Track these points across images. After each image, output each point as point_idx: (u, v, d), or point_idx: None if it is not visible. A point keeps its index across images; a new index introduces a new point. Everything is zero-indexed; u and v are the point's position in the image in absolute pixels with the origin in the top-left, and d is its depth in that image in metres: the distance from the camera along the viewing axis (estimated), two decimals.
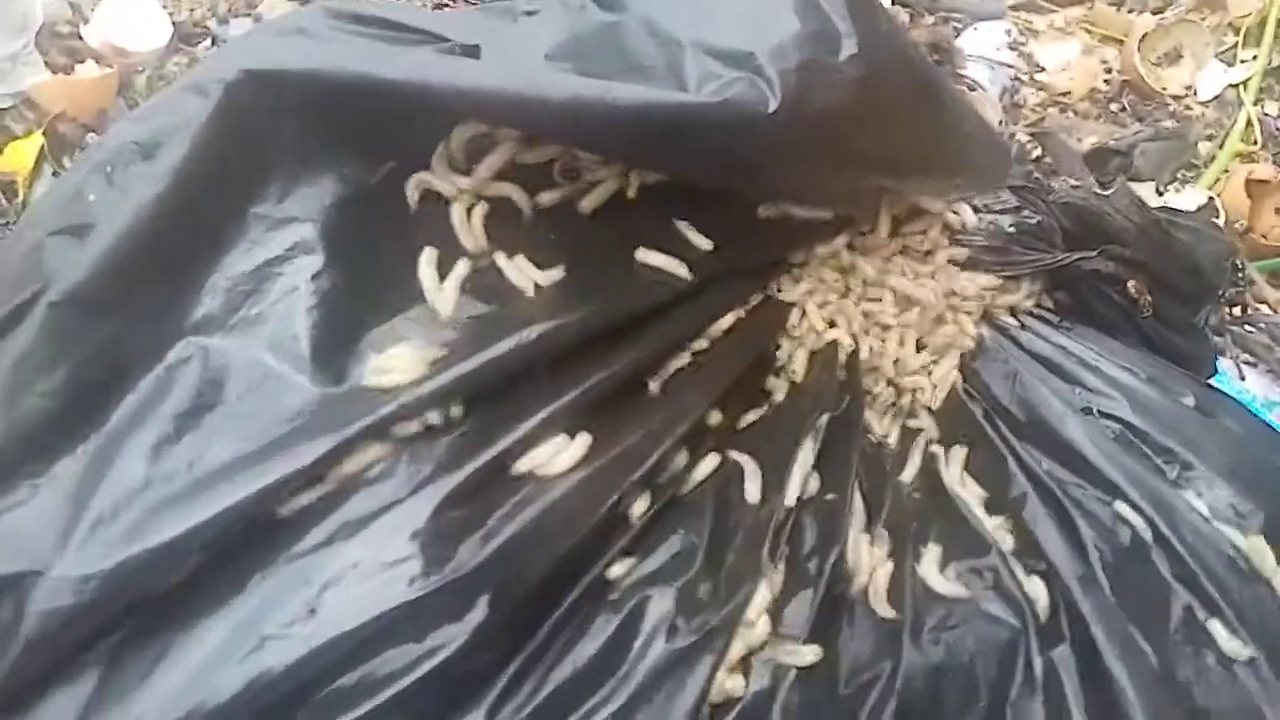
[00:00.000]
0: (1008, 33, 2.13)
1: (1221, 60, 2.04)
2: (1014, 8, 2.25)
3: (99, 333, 0.52)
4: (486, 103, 0.54)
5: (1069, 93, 2.03)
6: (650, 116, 0.53)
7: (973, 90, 1.76)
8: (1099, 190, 0.79)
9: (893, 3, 2.02)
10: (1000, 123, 1.82)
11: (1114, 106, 1.99)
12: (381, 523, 0.51)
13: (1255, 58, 1.99)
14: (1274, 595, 0.61)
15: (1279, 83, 2.00)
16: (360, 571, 0.49)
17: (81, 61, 1.55)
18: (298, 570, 0.50)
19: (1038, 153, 1.81)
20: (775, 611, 0.57)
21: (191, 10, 1.68)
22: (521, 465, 0.55)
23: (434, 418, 0.54)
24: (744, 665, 0.55)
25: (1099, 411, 0.70)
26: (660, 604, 0.54)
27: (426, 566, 0.50)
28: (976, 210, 0.74)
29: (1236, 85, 1.99)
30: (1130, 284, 0.80)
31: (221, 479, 0.50)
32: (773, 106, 0.52)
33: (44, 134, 1.33)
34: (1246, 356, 1.36)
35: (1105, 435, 0.67)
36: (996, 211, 0.74)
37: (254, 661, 0.47)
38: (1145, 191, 1.68)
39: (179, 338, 0.53)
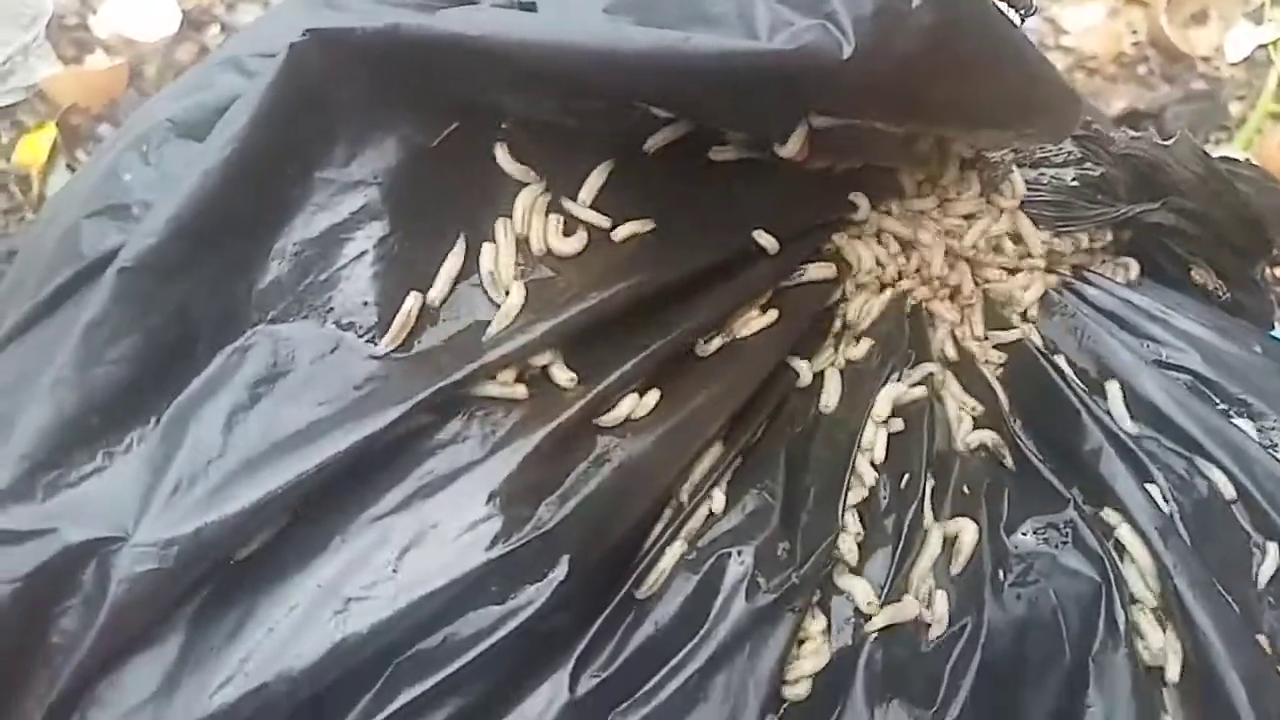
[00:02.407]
0: None
1: (1250, 20, 2.00)
2: None
3: (170, 298, 0.51)
4: (555, 58, 0.52)
5: (1095, 56, 2.00)
6: (726, 67, 0.51)
7: None
8: (1160, 141, 0.77)
9: None
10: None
11: (1141, 69, 1.96)
12: (459, 484, 0.50)
13: None
14: None
15: None
16: (440, 532, 0.49)
17: (91, 53, 1.55)
18: (378, 532, 0.49)
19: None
20: (855, 570, 0.57)
21: None
22: (599, 422, 0.54)
23: (507, 379, 0.53)
24: (827, 619, 0.55)
25: (1171, 364, 0.69)
26: (739, 563, 0.53)
27: (507, 526, 0.49)
28: (1037, 165, 0.72)
29: (1266, 45, 1.95)
30: (1194, 273, 0.79)
31: (296, 445, 0.49)
32: (848, 54, 0.50)
33: (57, 126, 1.33)
34: None
35: (1178, 386, 0.66)
36: (1058, 164, 0.73)
37: (338, 624, 0.47)
38: None
39: (248, 309, 0.53)
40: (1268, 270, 1.28)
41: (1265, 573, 0.59)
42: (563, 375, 0.54)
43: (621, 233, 0.58)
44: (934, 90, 0.56)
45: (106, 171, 0.57)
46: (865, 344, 0.66)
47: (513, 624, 0.48)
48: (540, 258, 0.57)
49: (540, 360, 0.54)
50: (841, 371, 0.65)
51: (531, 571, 0.49)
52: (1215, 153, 1.72)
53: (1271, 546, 0.60)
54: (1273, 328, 0.93)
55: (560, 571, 0.49)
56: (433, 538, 0.49)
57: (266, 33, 0.63)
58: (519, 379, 0.54)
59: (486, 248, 0.56)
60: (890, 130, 0.61)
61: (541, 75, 0.54)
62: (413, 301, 0.53)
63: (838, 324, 0.68)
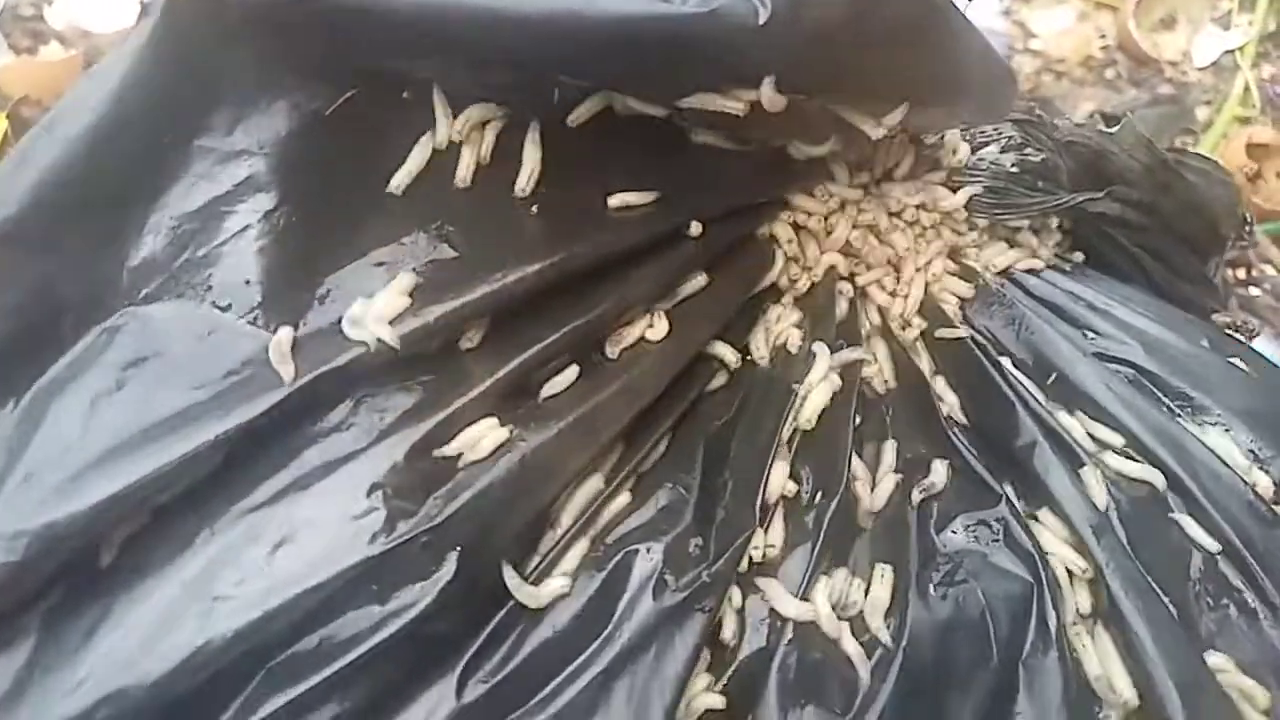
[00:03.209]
0: (1000, 0, 2.09)
1: (1217, 25, 2.00)
2: None
3: (32, 274, 0.48)
4: (456, 23, 0.49)
5: (1063, 60, 2.00)
6: (633, 30, 0.48)
7: None
8: (1104, 128, 0.75)
9: None
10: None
11: (1109, 73, 1.96)
12: (341, 474, 0.47)
13: (1251, 23, 1.96)
14: None
15: (1276, 47, 1.97)
16: (317, 527, 0.45)
17: (45, 44, 1.51)
18: (249, 526, 0.46)
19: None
20: (770, 566, 0.54)
21: None
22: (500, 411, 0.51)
23: (399, 363, 0.50)
24: (739, 622, 0.52)
25: (1111, 356, 0.66)
26: (647, 560, 0.50)
27: (389, 521, 0.46)
28: (976, 149, 0.70)
29: (1233, 50, 1.96)
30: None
31: (163, 433, 0.46)
32: (763, 18, 0.48)
33: (7, 118, 1.28)
34: (1253, 319, 1.33)
35: (1118, 379, 0.64)
36: (998, 150, 0.70)
37: (203, 625, 0.43)
38: None
39: (119, 287, 0.49)
40: (1224, 269, 1.26)
41: (1196, 569, 0.56)
42: (460, 360, 0.50)
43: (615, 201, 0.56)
44: (856, 61, 0.53)
45: (18, 158, 0.53)
46: (794, 332, 0.63)
47: (395, 625, 0.45)
48: (444, 236, 0.54)
49: (433, 345, 0.51)
50: (770, 359, 0.62)
51: (416, 570, 0.46)
52: None
53: (1208, 542, 0.58)
54: None
55: (447, 570, 0.46)
56: (309, 533, 0.45)
57: None
58: (411, 364, 0.50)
59: (380, 224, 0.52)
60: (814, 104, 0.58)
61: (440, 41, 0.50)
62: (285, 336, 0.48)
63: (769, 310, 0.66)
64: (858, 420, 0.61)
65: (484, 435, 0.49)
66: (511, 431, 0.50)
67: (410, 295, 0.50)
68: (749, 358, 0.65)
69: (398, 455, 0.47)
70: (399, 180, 0.53)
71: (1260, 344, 1.30)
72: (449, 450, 0.49)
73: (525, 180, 0.55)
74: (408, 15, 0.48)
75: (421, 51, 0.52)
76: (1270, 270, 1.39)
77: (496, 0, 0.48)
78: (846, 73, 0.54)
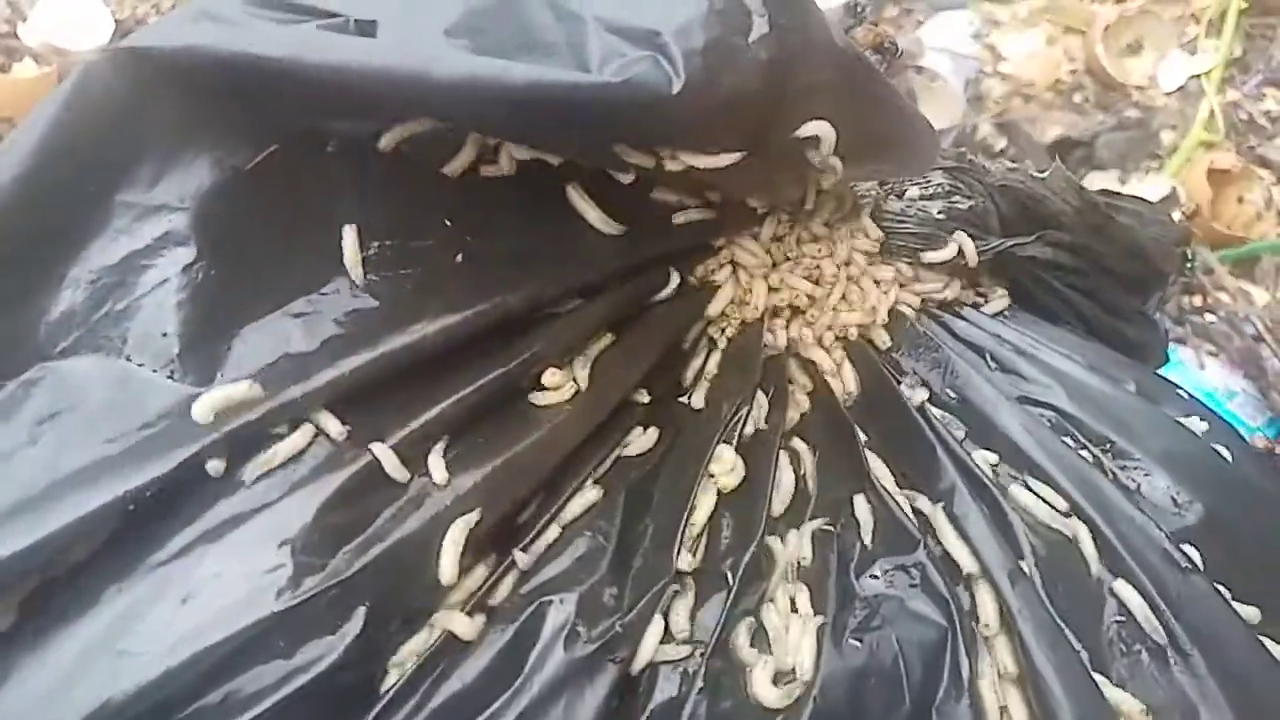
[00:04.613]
0: (970, 23, 2.12)
1: (1184, 50, 2.04)
2: None
3: None
4: (374, 83, 0.50)
5: (1032, 83, 2.03)
6: (547, 97, 0.50)
7: (934, 82, 1.75)
8: (1035, 173, 0.76)
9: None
10: (963, 114, 1.81)
11: (1077, 97, 1.99)
12: (250, 528, 0.47)
13: (1217, 48, 1.99)
14: (1211, 588, 0.58)
15: (1241, 73, 2.00)
16: (224, 582, 0.46)
17: (19, 61, 1.51)
18: (157, 581, 0.46)
19: (1002, 144, 1.80)
20: (685, 616, 0.54)
21: (134, 8, 1.64)
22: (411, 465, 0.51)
23: (314, 418, 0.51)
24: (650, 673, 0.52)
25: (1035, 400, 0.67)
26: (560, 611, 0.51)
27: (297, 575, 0.46)
28: (904, 196, 0.71)
29: (1199, 75, 1.99)
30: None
31: (76, 485, 0.46)
32: (676, 88, 0.49)
33: None
34: (1208, 346, 1.35)
35: (1040, 423, 0.65)
36: (926, 196, 0.71)
37: (106, 681, 0.44)
38: (1109, 181, 1.67)
39: (36, 341, 0.49)
40: (1169, 301, 1.28)
41: (1111, 615, 0.57)
42: (335, 427, 0.51)
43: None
44: (772, 126, 0.54)
45: None
46: (717, 373, 0.64)
47: (301, 680, 0.45)
48: (366, 286, 0.55)
49: (349, 398, 0.51)
50: (693, 402, 0.63)
51: (323, 624, 0.46)
52: (1146, 181, 1.74)
53: (1123, 589, 0.58)
54: (1165, 360, 0.92)
55: (354, 625, 0.46)
56: (215, 587, 0.46)
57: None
58: (326, 418, 0.51)
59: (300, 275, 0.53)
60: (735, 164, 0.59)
61: (359, 100, 0.51)
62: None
63: (699, 355, 0.67)
64: (785, 462, 0.62)
65: (397, 488, 0.50)
66: (425, 486, 0.51)
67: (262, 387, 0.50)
68: (680, 400, 0.66)
69: (309, 509, 0.48)
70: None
71: (1214, 370, 1.32)
72: (359, 503, 0.49)
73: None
74: (327, 76, 0.49)
75: (342, 111, 0.53)
76: (1225, 297, 1.41)
77: (417, 62, 0.49)
78: (762, 137, 0.55)
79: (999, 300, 0.74)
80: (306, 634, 0.46)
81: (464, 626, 0.48)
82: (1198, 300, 1.40)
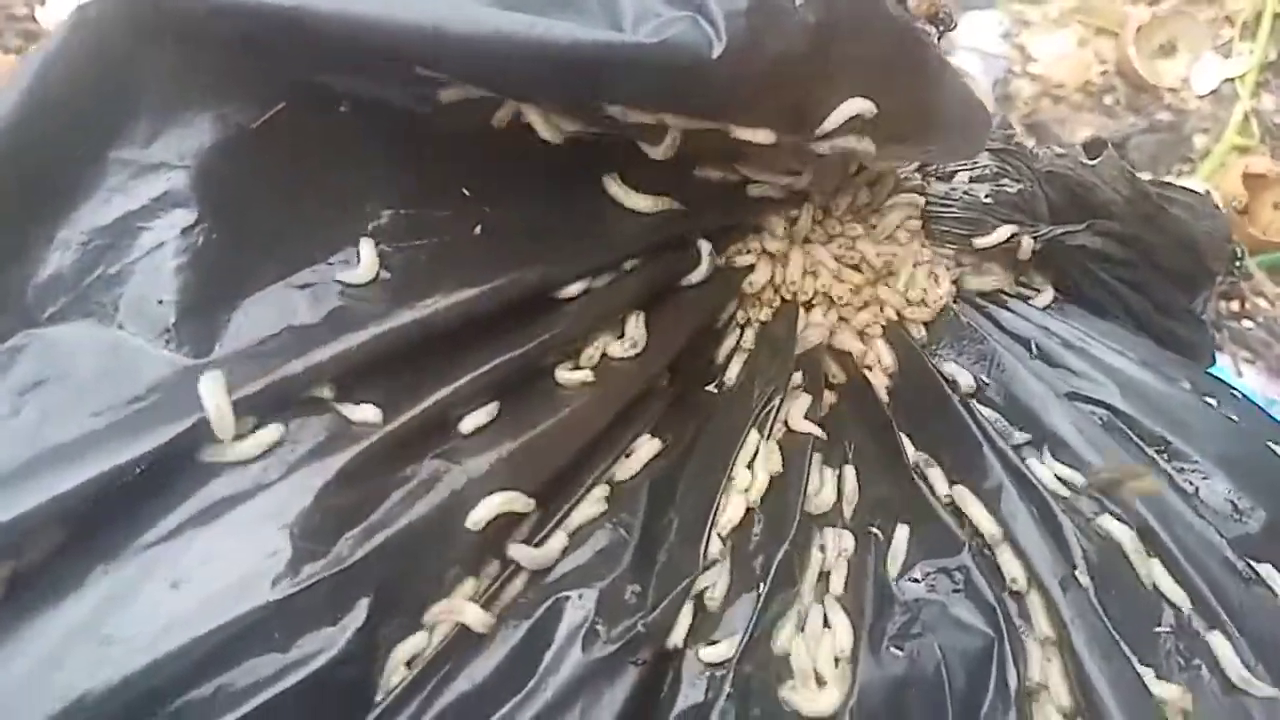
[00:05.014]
0: (1000, 23, 2.08)
1: (1218, 53, 1.99)
2: None
3: None
4: (397, 38, 0.46)
5: (1062, 85, 1.99)
6: (578, 57, 0.46)
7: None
8: (1085, 160, 0.72)
9: None
10: (993, 114, 1.77)
11: (1108, 99, 1.95)
12: (246, 509, 0.44)
13: (1252, 51, 1.95)
14: (1275, 600, 0.54)
15: (1276, 76, 1.95)
16: (216, 567, 0.42)
17: (38, 44, 1.49)
18: (146, 563, 0.42)
19: (1030, 145, 1.75)
20: (714, 615, 0.50)
21: None
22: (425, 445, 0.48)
23: (319, 392, 0.47)
24: (675, 676, 0.49)
25: (1086, 396, 0.63)
26: (578, 608, 0.47)
27: (295, 562, 0.43)
28: (949, 178, 0.67)
29: (1233, 79, 1.94)
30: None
31: (58, 461, 0.42)
32: (717, 51, 0.45)
33: None
34: (1244, 353, 1.30)
35: (1092, 422, 0.61)
36: (972, 179, 0.67)
37: (89, 669, 0.40)
38: None
39: (22, 306, 0.46)
40: (1213, 302, 1.23)
41: (1168, 626, 0.53)
42: (386, 389, 0.47)
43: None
44: (817, 97, 0.51)
45: None
46: (750, 361, 0.60)
47: (298, 675, 0.42)
48: (378, 256, 0.51)
49: (358, 373, 0.48)
50: (725, 389, 0.59)
51: (322, 615, 0.43)
52: (1179, 185, 1.69)
53: (1182, 599, 0.54)
54: (1213, 362, 0.88)
55: (357, 617, 0.43)
56: (207, 572, 0.42)
57: None
58: (333, 393, 0.47)
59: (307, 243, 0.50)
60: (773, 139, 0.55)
61: (370, 54, 0.48)
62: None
63: (729, 341, 0.63)
64: (820, 459, 0.58)
65: (407, 470, 0.46)
66: (439, 469, 0.47)
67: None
68: (708, 388, 0.62)
69: (310, 490, 0.44)
70: None
71: (1251, 377, 1.27)
72: (365, 485, 0.46)
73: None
74: (337, 27, 0.46)
75: (352, 66, 0.50)
76: (1264, 304, 1.36)
77: (433, 15, 0.46)
78: (807, 108, 0.51)
79: (1047, 291, 0.70)
80: (304, 625, 0.42)
81: (475, 617, 0.44)
82: (1235, 305, 1.35)
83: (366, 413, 0.47)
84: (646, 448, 0.55)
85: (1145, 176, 1.74)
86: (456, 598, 0.45)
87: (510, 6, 0.47)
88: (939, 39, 0.61)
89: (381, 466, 0.46)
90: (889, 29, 0.52)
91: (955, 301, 0.67)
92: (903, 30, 0.53)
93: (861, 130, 0.51)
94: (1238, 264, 1.01)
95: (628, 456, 0.54)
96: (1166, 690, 0.50)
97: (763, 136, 0.51)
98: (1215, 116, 1.86)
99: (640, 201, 0.58)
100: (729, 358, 0.63)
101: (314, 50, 0.48)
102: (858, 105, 0.50)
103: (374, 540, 0.44)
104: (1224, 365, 1.25)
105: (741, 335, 0.64)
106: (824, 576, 0.53)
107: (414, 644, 0.44)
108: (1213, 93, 1.93)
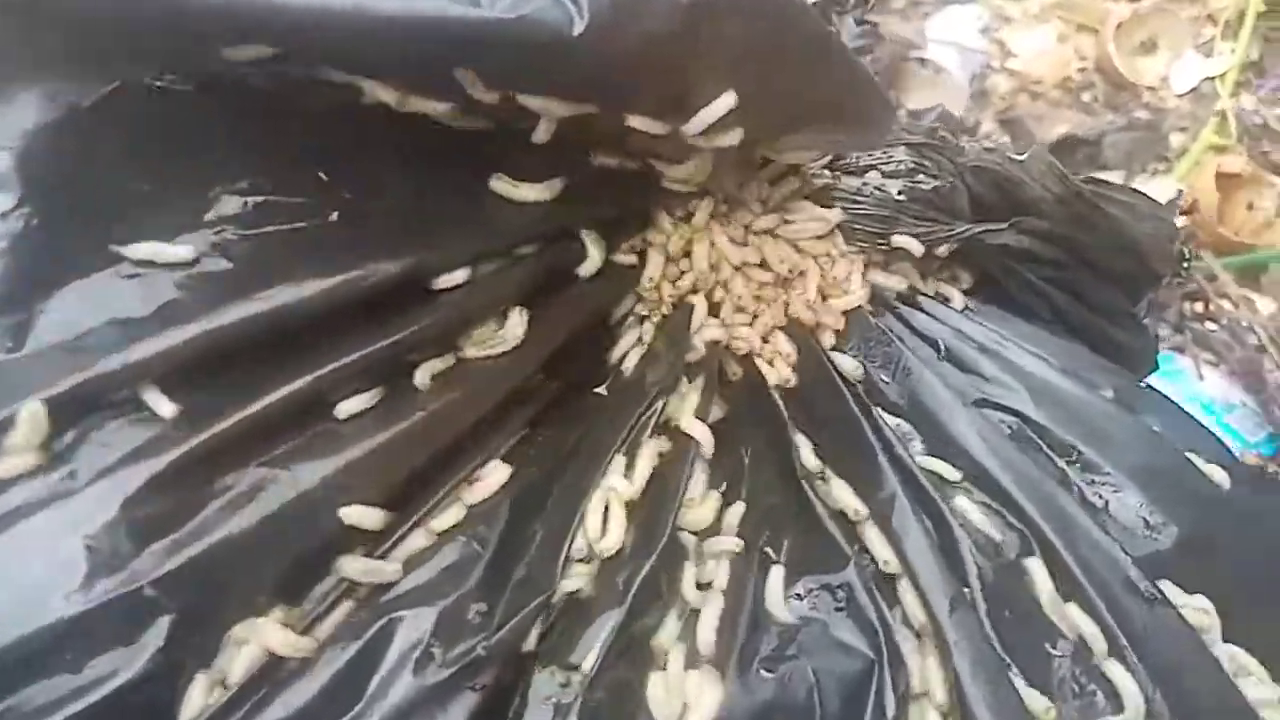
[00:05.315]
0: (979, 18, 2.05)
1: (1199, 52, 1.96)
2: None
3: None
4: (222, 11, 0.43)
5: (1040, 80, 1.96)
6: (434, 33, 0.43)
7: (936, 74, 1.68)
8: (1013, 155, 0.69)
9: None
10: (966, 109, 1.75)
11: (1086, 96, 1.93)
12: (42, 518, 0.40)
13: (1234, 50, 1.91)
14: (1181, 622, 0.51)
15: (1257, 76, 1.92)
16: (6, 580, 0.39)
17: None
18: None
19: (1004, 140, 1.73)
20: (569, 635, 0.47)
21: None
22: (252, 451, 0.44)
23: (139, 392, 0.44)
24: (519, 703, 0.45)
25: (995, 403, 0.60)
26: (412, 629, 0.44)
27: (91, 576, 0.39)
28: (863, 173, 0.64)
29: (1213, 78, 1.91)
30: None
31: None
32: (578, 29, 0.42)
33: None
34: (1208, 356, 1.27)
35: (998, 431, 0.57)
36: (886, 175, 0.64)
37: None
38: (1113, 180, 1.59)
39: None
40: (1181, 303, 1.20)
41: (1065, 651, 0.50)
42: (162, 405, 0.44)
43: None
44: (692, 81, 0.47)
45: None
46: (638, 366, 0.57)
47: (92, 697, 0.39)
48: (219, 245, 0.48)
49: (179, 374, 0.44)
50: (608, 393, 0.56)
51: (118, 634, 0.39)
52: (1152, 183, 1.66)
53: (1081, 621, 0.51)
54: (1155, 367, 0.85)
55: (156, 636, 0.40)
56: None
57: None
58: (150, 393, 0.44)
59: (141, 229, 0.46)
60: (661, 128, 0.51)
61: (194, 25, 0.44)
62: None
63: (622, 342, 0.60)
64: (706, 466, 0.55)
65: (227, 479, 0.43)
66: (266, 477, 0.44)
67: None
68: (598, 390, 0.59)
69: (115, 500, 0.41)
70: None
71: (1212, 380, 1.24)
72: (179, 495, 0.42)
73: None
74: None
75: (184, 38, 0.46)
76: (1228, 306, 1.33)
77: None
78: (681, 93, 0.48)
79: (955, 295, 0.66)
80: (98, 644, 0.39)
81: (281, 641, 0.41)
82: (1199, 307, 1.32)
83: (188, 414, 0.43)
84: (496, 475, 0.51)
85: (1118, 175, 1.70)
86: (269, 618, 0.42)
87: None
88: (849, 20, 0.58)
89: (199, 474, 0.43)
90: (771, 9, 0.48)
91: (864, 302, 0.64)
92: (787, 10, 0.49)
93: (733, 122, 0.47)
94: (1186, 265, 0.98)
95: (471, 484, 0.50)
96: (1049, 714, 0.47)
97: (646, 125, 0.48)
98: (1194, 115, 1.83)
99: (526, 192, 0.55)
100: (623, 357, 0.60)
101: (146, 22, 0.45)
102: (729, 101, 0.47)
103: (183, 554, 0.41)
104: (1185, 368, 1.22)
105: (636, 331, 0.60)
106: (693, 595, 0.50)
107: (221, 667, 0.41)
108: (1192, 91, 1.90)
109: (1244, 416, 1.18)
